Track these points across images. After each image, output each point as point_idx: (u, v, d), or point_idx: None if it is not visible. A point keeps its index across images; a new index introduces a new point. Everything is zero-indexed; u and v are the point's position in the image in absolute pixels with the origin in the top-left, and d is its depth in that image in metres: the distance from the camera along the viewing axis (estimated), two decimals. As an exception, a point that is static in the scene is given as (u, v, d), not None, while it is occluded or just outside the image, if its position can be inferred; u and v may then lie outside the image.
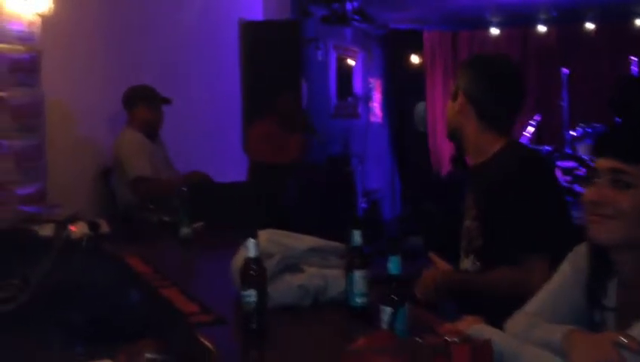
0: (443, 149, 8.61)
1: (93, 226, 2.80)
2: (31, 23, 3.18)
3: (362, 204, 6.91)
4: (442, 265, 1.98)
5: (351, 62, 7.81)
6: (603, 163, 1.33)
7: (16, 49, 3.09)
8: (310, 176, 5.08)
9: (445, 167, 8.50)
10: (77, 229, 2.70)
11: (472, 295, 1.88)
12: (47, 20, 3.27)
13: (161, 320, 1.90)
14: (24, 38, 3.14)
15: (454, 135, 2.07)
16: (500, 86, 1.98)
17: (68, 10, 3.51)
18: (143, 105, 3.82)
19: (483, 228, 1.95)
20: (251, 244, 1.60)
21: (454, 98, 2.03)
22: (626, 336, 1.16)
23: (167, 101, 3.92)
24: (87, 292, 2.40)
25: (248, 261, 1.61)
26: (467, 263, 2.02)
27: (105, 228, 2.85)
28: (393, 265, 1.46)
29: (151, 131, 3.82)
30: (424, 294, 1.93)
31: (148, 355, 1.32)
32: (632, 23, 7.61)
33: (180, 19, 4.72)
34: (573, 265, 1.46)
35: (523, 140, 6.89)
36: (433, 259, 2.00)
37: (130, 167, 3.65)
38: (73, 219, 2.85)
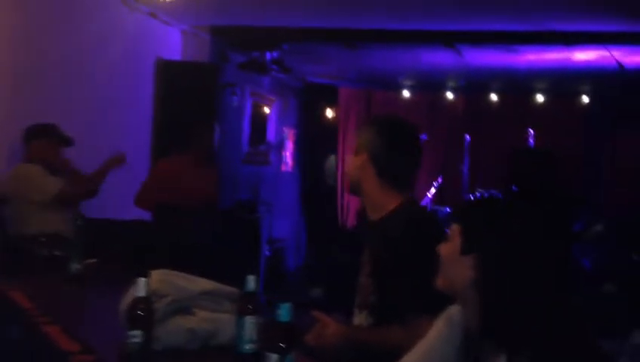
0: (350, 203, 8.76)
1: (-24, 257, 2.66)
2: None
3: (266, 251, 6.88)
4: (328, 321, 1.96)
5: (266, 110, 7.89)
6: None
7: None
8: (216, 220, 5.02)
9: (351, 221, 8.64)
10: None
11: (368, 352, 1.89)
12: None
13: (41, 359, 1.81)
14: None
15: (354, 189, 2.13)
16: (400, 146, 2.06)
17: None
18: (41, 141, 3.70)
19: (375, 286, 1.98)
20: (141, 283, 1.57)
21: (356, 154, 2.09)
22: None
23: (68, 142, 3.82)
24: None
25: (137, 300, 1.57)
26: (361, 319, 2.03)
27: (-11, 259, 2.70)
28: (283, 312, 1.46)
29: (48, 169, 3.69)
30: (330, 354, 1.90)
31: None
32: (533, 98, 8.14)
33: (95, 53, 4.65)
34: (446, 322, 1.51)
35: (425, 201, 7.13)
36: (317, 316, 1.97)
37: (41, 189, 3.55)
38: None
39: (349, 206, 8.80)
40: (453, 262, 1.41)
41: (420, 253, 1.86)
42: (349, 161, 2.14)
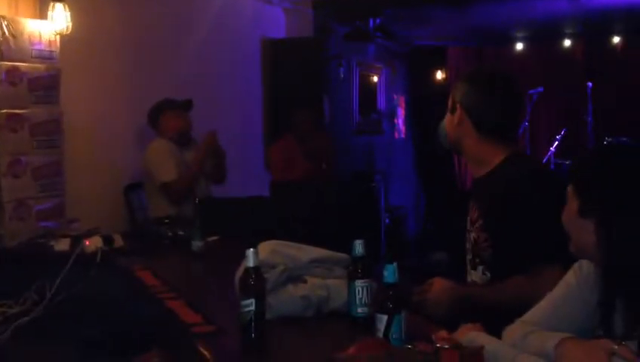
0: (468, 166, 8.52)
1: (108, 240, 2.83)
2: (51, 42, 3.26)
3: (386, 220, 6.86)
4: (435, 279, 1.93)
5: (374, 78, 7.82)
6: None
7: (36, 68, 3.17)
8: (332, 192, 5.07)
9: (469, 184, 8.41)
10: (91, 243, 2.74)
11: (485, 308, 1.83)
12: (66, 39, 3.34)
13: (167, 332, 1.91)
14: (44, 57, 3.22)
15: (456, 148, 2.09)
16: (495, 96, 1.97)
17: (87, 30, 3.59)
18: (167, 113, 3.82)
19: (491, 239, 1.92)
20: (250, 254, 1.60)
21: (452, 111, 2.03)
22: (620, 345, 1.12)
23: (188, 104, 3.90)
24: (100, 306, 2.42)
25: (247, 270, 1.60)
26: (475, 275, 1.99)
27: (119, 242, 2.87)
28: (389, 273, 1.44)
29: (181, 138, 3.82)
30: (435, 310, 1.88)
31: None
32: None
33: (203, 37, 4.79)
34: (577, 276, 1.42)
35: (549, 155, 6.81)
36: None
37: (157, 173, 3.68)
38: (88, 234, 2.89)
39: (466, 169, 8.57)
40: (575, 226, 1.33)
41: (536, 202, 1.82)
42: (446, 121, 2.08)
